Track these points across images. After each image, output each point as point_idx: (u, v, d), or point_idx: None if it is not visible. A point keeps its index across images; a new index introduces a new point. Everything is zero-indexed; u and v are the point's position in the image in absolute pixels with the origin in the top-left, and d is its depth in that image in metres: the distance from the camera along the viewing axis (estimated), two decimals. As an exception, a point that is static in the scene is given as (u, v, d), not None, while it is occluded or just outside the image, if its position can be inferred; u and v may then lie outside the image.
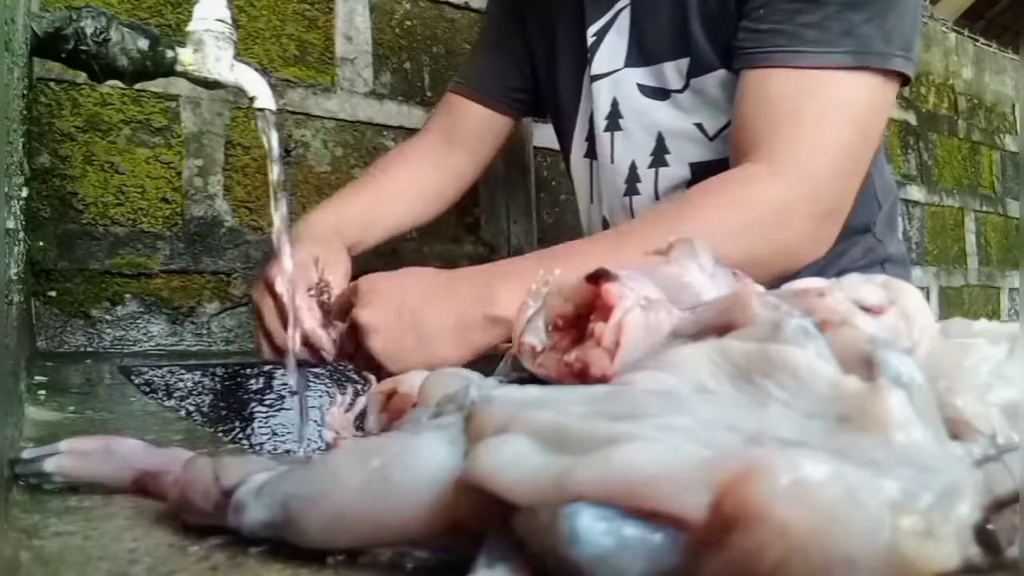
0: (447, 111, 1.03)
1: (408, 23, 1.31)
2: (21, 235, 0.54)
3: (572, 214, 1.49)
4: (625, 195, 0.89)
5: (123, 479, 0.34)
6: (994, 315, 2.52)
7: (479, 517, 0.22)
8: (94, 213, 1.01)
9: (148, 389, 0.83)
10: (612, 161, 0.89)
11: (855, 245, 0.91)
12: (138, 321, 1.03)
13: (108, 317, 1.01)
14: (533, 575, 0.21)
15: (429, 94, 1.32)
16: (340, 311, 0.67)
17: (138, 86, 0.70)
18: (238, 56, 0.67)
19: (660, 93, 0.85)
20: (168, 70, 0.64)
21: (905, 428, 0.22)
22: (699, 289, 0.36)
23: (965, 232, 2.44)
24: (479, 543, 0.22)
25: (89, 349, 0.99)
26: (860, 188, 0.88)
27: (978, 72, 2.58)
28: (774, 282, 0.41)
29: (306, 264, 0.73)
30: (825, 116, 0.71)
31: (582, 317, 0.33)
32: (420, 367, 0.61)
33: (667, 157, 0.85)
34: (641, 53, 0.86)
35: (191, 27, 0.65)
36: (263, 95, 0.67)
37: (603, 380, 0.30)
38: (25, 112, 0.63)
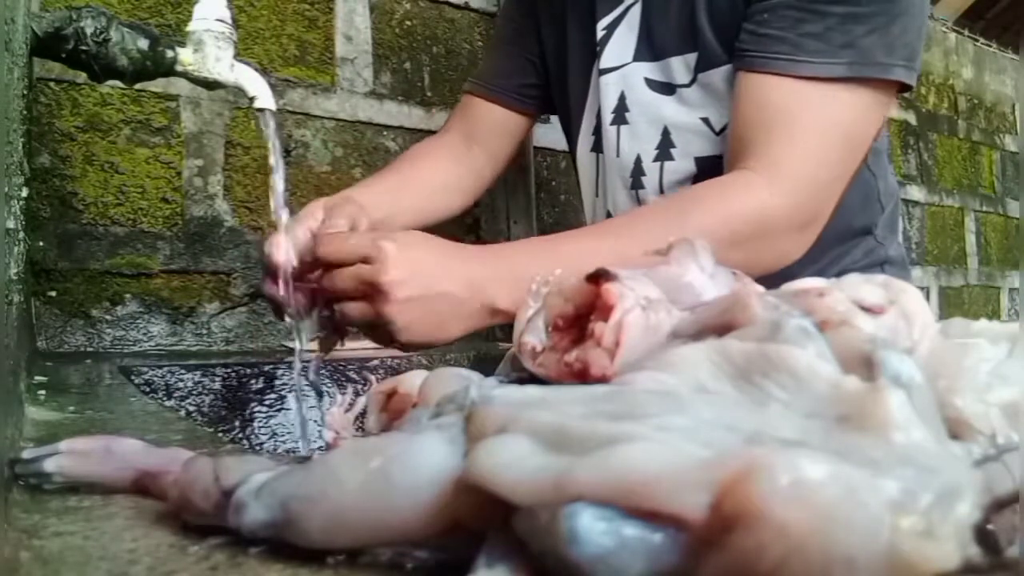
0: (465, 111, 1.03)
1: (408, 23, 1.31)
2: (21, 235, 0.54)
3: (572, 214, 1.49)
4: (631, 188, 0.89)
5: (123, 479, 0.34)
6: (994, 315, 2.52)
7: (479, 517, 0.22)
8: (94, 213, 1.01)
9: (148, 389, 0.83)
10: (618, 155, 0.90)
11: (856, 247, 0.92)
12: (138, 321, 1.03)
13: (108, 317, 1.01)
14: (533, 575, 0.21)
15: (429, 94, 1.32)
16: (349, 254, 0.63)
17: (138, 86, 0.70)
18: (238, 56, 0.67)
19: (666, 88, 0.85)
20: (168, 70, 0.64)
21: (905, 428, 0.22)
22: (699, 289, 0.36)
23: (965, 232, 2.44)
24: (479, 543, 0.22)
25: (89, 349, 0.99)
26: (864, 192, 0.89)
27: (978, 72, 2.58)
28: (774, 282, 0.41)
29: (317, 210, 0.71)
30: (819, 129, 0.72)
31: (582, 317, 0.33)
32: (421, 342, 0.63)
33: (672, 151, 0.86)
34: (649, 47, 0.86)
35: (191, 27, 0.65)
36: (263, 95, 0.67)
37: (603, 380, 0.30)
38: (25, 112, 0.63)
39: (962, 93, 2.50)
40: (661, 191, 0.87)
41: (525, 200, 1.42)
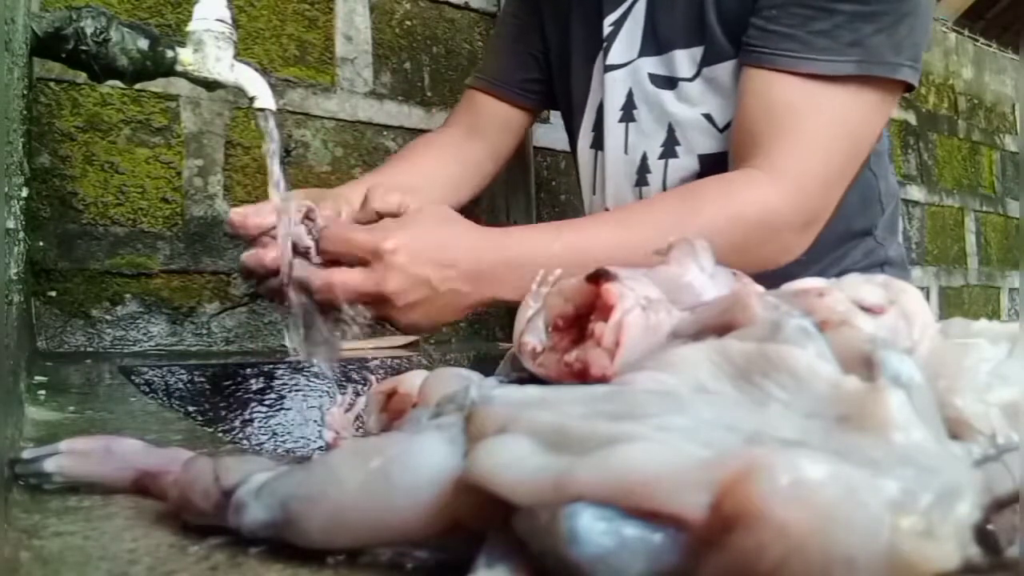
0: (468, 106, 1.04)
1: (408, 23, 1.31)
2: (21, 235, 0.54)
3: (572, 214, 1.49)
4: (636, 186, 0.89)
5: (123, 479, 0.34)
6: (994, 315, 2.52)
7: (479, 517, 0.22)
8: (94, 213, 1.01)
9: (148, 389, 0.83)
10: (626, 152, 0.90)
11: (856, 247, 0.92)
12: (138, 321, 1.03)
13: (108, 317, 1.01)
14: (533, 575, 0.21)
15: (429, 94, 1.32)
16: (348, 252, 0.62)
17: (138, 86, 0.70)
18: (238, 56, 0.67)
19: (668, 82, 0.85)
20: (168, 70, 0.64)
21: (905, 428, 0.22)
22: (699, 289, 0.36)
23: (965, 232, 2.44)
24: (479, 543, 0.22)
25: (89, 349, 0.99)
26: (865, 193, 0.89)
27: (978, 72, 2.58)
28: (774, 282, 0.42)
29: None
30: (825, 128, 0.72)
31: (582, 317, 0.33)
32: (424, 330, 0.62)
33: (677, 148, 0.86)
34: (654, 41, 0.86)
35: (191, 27, 0.65)
36: (263, 95, 0.67)
37: (603, 380, 0.30)
38: (25, 112, 0.63)
39: (962, 93, 2.50)
40: (664, 189, 0.87)
41: (525, 200, 1.42)
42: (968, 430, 0.27)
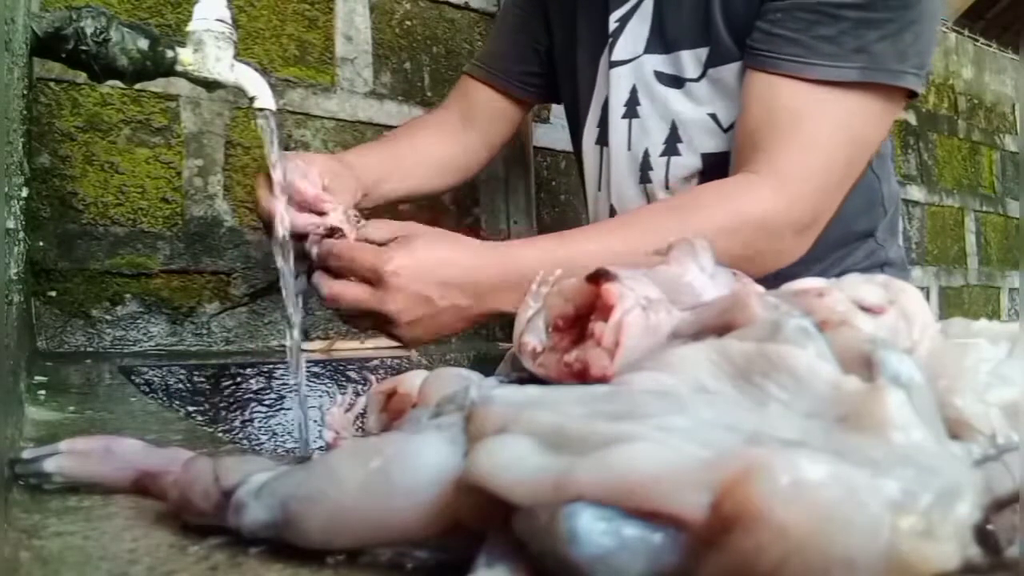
0: (464, 92, 1.04)
1: (408, 23, 1.31)
2: (21, 235, 0.54)
3: (572, 214, 1.49)
4: (640, 183, 0.89)
5: (123, 479, 0.34)
6: (994, 315, 2.52)
7: (479, 517, 0.22)
8: (94, 213, 1.01)
9: (148, 389, 0.83)
10: (629, 148, 0.90)
11: (857, 249, 0.92)
12: (138, 321, 1.03)
13: (108, 317, 1.01)
14: (533, 575, 0.21)
15: (429, 94, 1.32)
16: (350, 269, 0.65)
17: (138, 86, 0.70)
18: (238, 56, 0.67)
19: (675, 81, 0.85)
20: (168, 70, 0.64)
21: (905, 428, 0.22)
22: (699, 289, 0.36)
23: (965, 232, 2.44)
24: (479, 543, 0.22)
25: (89, 349, 0.99)
26: (868, 195, 0.89)
27: (978, 72, 2.58)
28: (774, 282, 0.42)
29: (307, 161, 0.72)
30: (826, 133, 0.72)
31: (582, 317, 0.33)
32: (427, 343, 0.66)
33: (679, 146, 0.86)
34: (661, 40, 0.86)
35: (191, 27, 0.65)
36: (263, 95, 0.67)
37: (603, 380, 0.30)
38: (25, 112, 0.63)
39: (962, 93, 2.50)
40: (667, 186, 0.87)
41: (525, 200, 1.42)
42: (968, 430, 0.27)
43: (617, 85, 0.89)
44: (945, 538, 0.18)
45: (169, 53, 0.64)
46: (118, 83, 0.65)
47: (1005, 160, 2.64)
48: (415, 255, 0.64)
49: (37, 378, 0.70)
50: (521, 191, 1.42)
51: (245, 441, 0.90)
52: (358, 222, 0.68)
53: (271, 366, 0.94)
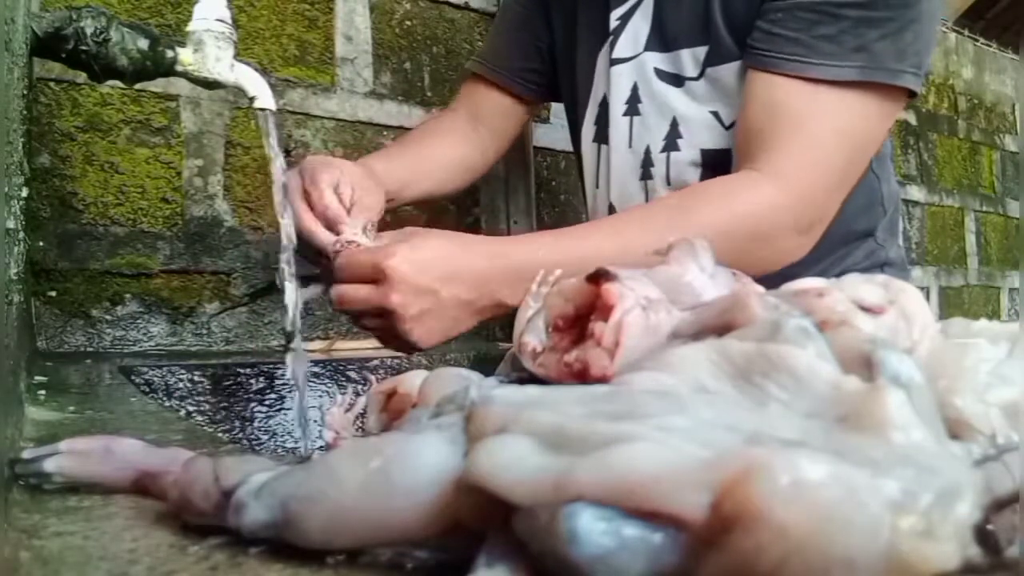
0: (469, 93, 1.05)
1: (408, 23, 1.31)
2: (21, 235, 0.54)
3: (572, 214, 1.49)
4: (641, 179, 0.90)
5: (123, 479, 0.34)
6: (994, 315, 2.52)
7: (479, 517, 0.22)
8: (94, 213, 1.01)
9: (148, 389, 0.83)
10: (630, 145, 0.90)
11: (857, 249, 0.92)
12: (138, 321, 1.03)
13: (108, 317, 1.01)
14: (533, 575, 0.21)
15: (429, 94, 1.32)
16: (354, 276, 0.66)
17: (138, 86, 0.70)
18: (238, 56, 0.67)
19: (675, 79, 0.86)
20: (168, 70, 0.64)
21: (905, 428, 0.22)
22: (699, 289, 0.36)
23: (965, 232, 2.44)
24: (479, 543, 0.22)
25: (89, 349, 0.99)
26: (868, 195, 0.89)
27: (978, 72, 2.58)
28: (774, 282, 0.42)
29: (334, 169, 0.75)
30: (828, 133, 0.72)
31: (582, 317, 0.33)
32: (438, 342, 0.67)
33: (679, 142, 0.86)
34: (661, 38, 0.86)
35: (191, 27, 0.65)
36: (263, 95, 0.67)
37: (603, 380, 0.30)
38: (25, 112, 0.63)
39: (962, 93, 2.50)
40: (668, 182, 0.87)
41: (525, 200, 1.42)
42: (968, 430, 0.27)
43: (618, 83, 0.90)
44: (945, 538, 0.18)
45: (169, 53, 0.64)
46: (118, 83, 0.65)
47: (1005, 160, 2.64)
48: (416, 249, 0.64)
49: (37, 378, 0.70)
50: (521, 191, 1.42)
51: (245, 441, 0.90)
52: (373, 235, 0.70)
53: (271, 366, 0.94)
